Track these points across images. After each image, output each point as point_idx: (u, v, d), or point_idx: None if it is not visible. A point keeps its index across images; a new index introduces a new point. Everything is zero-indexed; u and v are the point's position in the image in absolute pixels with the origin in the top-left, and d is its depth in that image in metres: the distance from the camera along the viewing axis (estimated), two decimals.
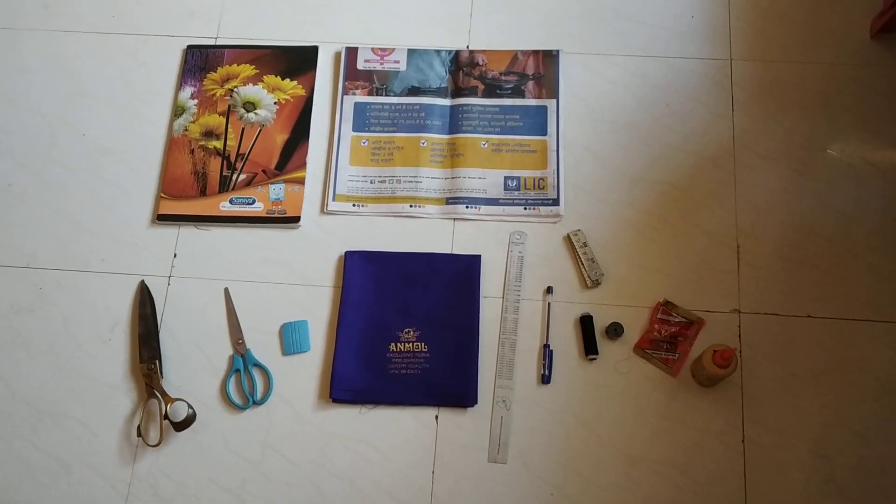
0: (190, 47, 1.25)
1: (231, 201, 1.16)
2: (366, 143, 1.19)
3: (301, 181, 1.16)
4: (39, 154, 1.20)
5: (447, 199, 1.15)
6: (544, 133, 1.18)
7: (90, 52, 1.26)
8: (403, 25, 1.26)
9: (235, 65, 1.24)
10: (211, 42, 1.26)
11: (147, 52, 1.26)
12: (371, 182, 1.17)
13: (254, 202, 1.15)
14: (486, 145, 1.18)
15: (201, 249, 1.14)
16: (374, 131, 1.19)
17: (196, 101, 1.22)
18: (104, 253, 1.14)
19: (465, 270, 1.10)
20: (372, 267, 1.11)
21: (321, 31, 1.26)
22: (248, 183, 1.16)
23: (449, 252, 1.12)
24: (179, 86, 1.23)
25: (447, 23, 1.26)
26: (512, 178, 1.16)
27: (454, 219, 1.14)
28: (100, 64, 1.25)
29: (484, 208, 1.14)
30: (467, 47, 1.24)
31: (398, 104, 1.21)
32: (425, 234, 1.14)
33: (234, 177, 1.17)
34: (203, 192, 1.16)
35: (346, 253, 1.12)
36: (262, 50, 1.25)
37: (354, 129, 1.20)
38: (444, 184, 1.16)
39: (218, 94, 1.22)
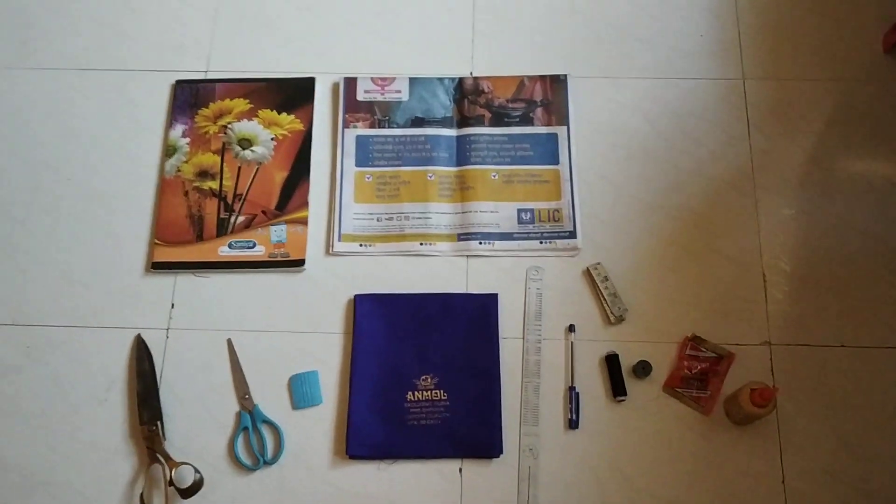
0: (179, 82, 1.19)
1: (230, 245, 1.09)
2: (370, 179, 1.13)
3: (304, 221, 1.10)
4: (23, 201, 1.13)
5: (459, 235, 1.10)
6: (556, 162, 1.13)
7: (73, 90, 1.19)
8: (404, 53, 1.20)
9: (228, 99, 1.17)
10: (201, 76, 1.20)
11: (134, 89, 1.19)
12: (378, 220, 1.11)
13: (254, 246, 1.09)
14: (496, 176, 1.13)
15: (200, 298, 1.07)
16: (379, 166, 1.14)
17: (188, 139, 1.15)
18: (96, 306, 1.07)
19: (481, 310, 1.05)
20: (383, 310, 1.05)
21: (317, 62, 1.20)
22: (248, 225, 1.10)
23: (464, 291, 1.07)
24: (170, 123, 1.16)
25: (449, 49, 1.20)
26: (525, 210, 1.11)
27: (467, 256, 1.09)
28: (84, 102, 1.18)
29: (498, 244, 1.09)
30: (471, 74, 1.19)
31: (402, 136, 1.15)
32: (438, 273, 1.08)
33: (233, 219, 1.11)
34: (200, 237, 1.10)
35: (356, 296, 1.06)
36: (255, 83, 1.18)
37: (357, 164, 1.14)
38: (455, 219, 1.11)
39: (211, 132, 1.16)
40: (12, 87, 1.20)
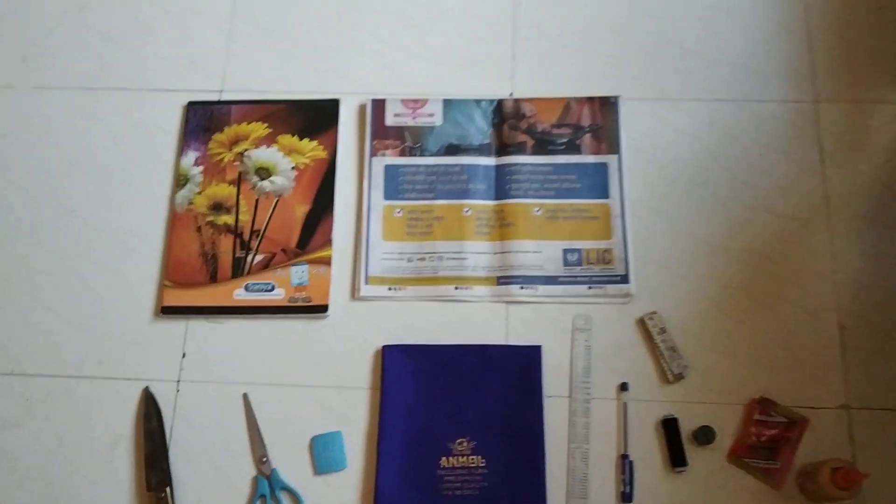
0: (191, 104, 1.09)
1: (247, 288, 0.99)
2: (400, 214, 1.02)
3: (327, 261, 1.00)
4: (22, 236, 1.04)
5: (498, 278, 0.99)
6: (606, 195, 1.02)
7: (76, 112, 1.09)
8: (437, 72, 1.09)
9: (245, 123, 1.07)
10: (215, 96, 1.10)
11: (142, 111, 1.09)
12: (408, 260, 1.00)
13: (273, 288, 0.99)
14: (539, 212, 1.02)
15: (214, 347, 0.98)
16: (409, 199, 1.03)
17: (201, 167, 1.05)
18: (100, 354, 0.98)
19: (523, 364, 0.94)
20: (414, 363, 0.95)
21: (342, 81, 1.09)
22: (266, 265, 1.00)
23: (503, 342, 0.96)
24: (181, 150, 1.06)
25: (486, 67, 1.09)
26: (572, 250, 1.00)
27: (507, 302, 0.98)
28: (88, 125, 1.09)
29: (542, 288, 0.98)
30: (511, 95, 1.08)
31: (435, 165, 1.04)
32: (475, 320, 0.98)
33: (249, 258, 1.01)
34: (213, 278, 1.00)
35: (384, 348, 0.96)
36: (274, 105, 1.08)
37: (386, 197, 1.03)
38: (494, 260, 1.00)
39: (226, 159, 1.05)
40: (11, 107, 1.10)
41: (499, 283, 0.99)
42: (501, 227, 1.01)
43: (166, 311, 0.99)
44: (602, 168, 1.03)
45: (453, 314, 0.98)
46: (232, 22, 1.13)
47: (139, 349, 0.98)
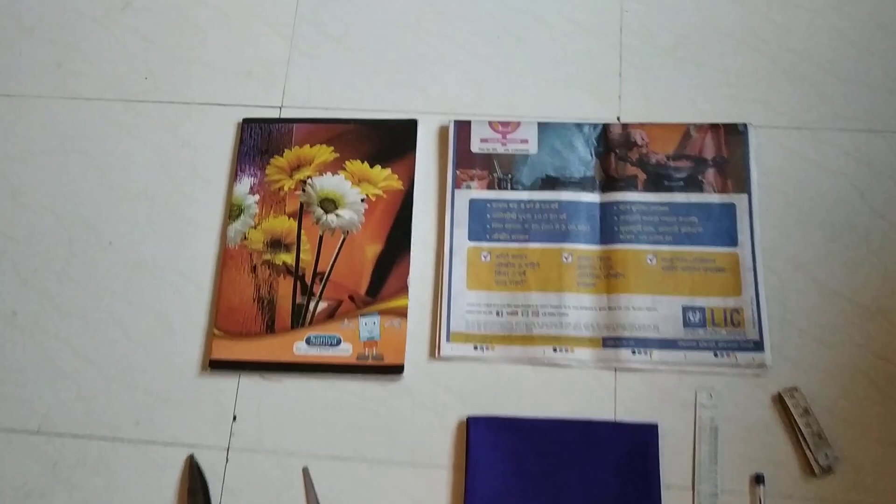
0: (246, 121, 0.94)
1: (308, 341, 0.85)
2: (488, 258, 0.87)
3: (402, 313, 0.85)
4: (53, 270, 0.91)
5: (604, 339, 0.84)
6: (734, 243, 0.86)
7: (115, 128, 0.96)
8: (531, 90, 0.94)
9: (308, 146, 0.93)
10: (274, 113, 0.95)
11: (191, 128, 0.95)
12: (498, 314, 0.85)
13: (339, 343, 0.85)
14: (653, 260, 0.86)
15: (270, 410, 0.84)
16: (499, 240, 0.88)
17: (257, 196, 0.91)
18: (139, 413, 0.84)
19: (636, 447, 0.79)
20: (505, 440, 0.80)
21: (421, 99, 0.94)
22: (331, 315, 0.86)
23: (611, 418, 0.81)
24: (234, 175, 0.92)
25: (589, 86, 0.93)
26: (693, 308, 0.84)
27: (616, 368, 0.83)
28: (128, 144, 0.95)
29: (657, 354, 0.83)
30: (618, 120, 0.92)
31: (530, 202, 0.89)
32: (577, 390, 0.82)
33: (312, 306, 0.86)
34: (270, 328, 0.86)
35: (469, 419, 0.81)
36: (342, 125, 0.93)
37: (471, 238, 0.88)
38: (599, 317, 0.84)
39: (286, 188, 0.91)
40: (43, 121, 0.97)
41: (605, 346, 0.83)
42: (608, 277, 0.86)
43: (215, 365, 0.85)
44: (729, 209, 0.87)
45: (551, 381, 0.83)
46: (295, 27, 0.98)
47: (183, 409, 0.84)
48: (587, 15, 0.96)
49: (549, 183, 0.89)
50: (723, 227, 0.86)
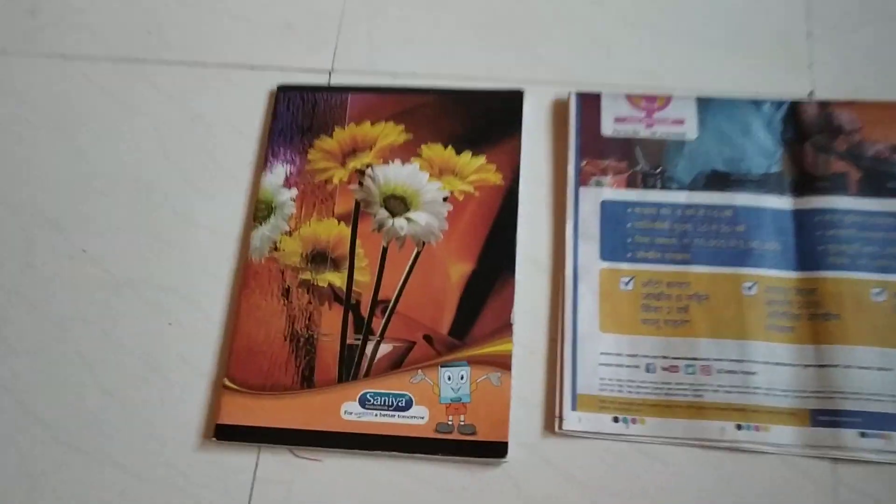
0: (283, 89, 0.68)
1: (363, 402, 0.57)
2: (630, 286, 0.60)
3: (504, 363, 0.58)
4: (6, 285, 0.64)
5: (813, 412, 0.55)
6: None
7: (112, 96, 0.70)
8: (682, 52, 0.67)
9: (369, 123, 0.66)
10: (322, 79, 0.69)
11: (206, 97, 0.69)
12: (648, 369, 0.57)
13: (409, 405, 0.57)
14: (881, 296, 0.58)
15: (304, 499, 0.55)
16: (647, 260, 0.60)
17: (295, 191, 0.64)
18: (126, 496, 0.56)
19: None
20: None
21: (526, 63, 0.68)
22: (398, 363, 0.58)
23: None
24: (264, 161, 0.66)
25: (767, 47, 0.67)
26: None
27: (833, 458, 0.54)
28: (121, 118, 0.69)
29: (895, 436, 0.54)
30: (811, 95, 0.65)
31: (690, 206, 0.62)
32: (774, 486, 0.54)
33: (370, 349, 0.59)
34: (308, 381, 0.58)
35: None
36: (416, 96, 0.67)
37: (605, 257, 0.61)
38: (804, 378, 0.56)
39: (336, 179, 0.64)
40: (7, 84, 0.71)
41: (815, 423, 0.55)
42: (813, 319, 0.58)
43: (224, 432, 0.57)
44: None
45: (732, 473, 0.54)
46: None
47: (177, 497, 0.56)
48: None
49: (717, 180, 0.62)
50: None
